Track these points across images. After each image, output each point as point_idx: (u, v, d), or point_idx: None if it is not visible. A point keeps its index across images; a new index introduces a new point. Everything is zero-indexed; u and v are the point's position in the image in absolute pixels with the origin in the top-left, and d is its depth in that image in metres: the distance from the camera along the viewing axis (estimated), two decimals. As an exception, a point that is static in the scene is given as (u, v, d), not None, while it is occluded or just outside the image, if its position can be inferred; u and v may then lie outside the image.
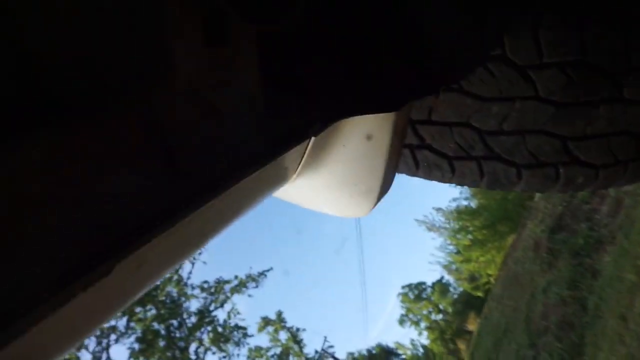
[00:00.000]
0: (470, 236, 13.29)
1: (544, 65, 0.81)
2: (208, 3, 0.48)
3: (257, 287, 11.60)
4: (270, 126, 0.52)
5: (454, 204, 14.29)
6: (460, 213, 13.61)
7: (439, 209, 14.94)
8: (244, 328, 11.90)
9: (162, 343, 10.40)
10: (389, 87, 0.66)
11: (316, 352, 15.74)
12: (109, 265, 0.35)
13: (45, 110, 0.39)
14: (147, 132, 0.42)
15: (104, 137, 0.42)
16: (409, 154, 0.93)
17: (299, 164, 0.62)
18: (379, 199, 0.72)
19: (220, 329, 11.44)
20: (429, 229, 15.50)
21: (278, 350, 14.28)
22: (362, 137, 0.65)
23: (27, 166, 0.37)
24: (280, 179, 0.60)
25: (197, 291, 11.07)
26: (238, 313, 11.68)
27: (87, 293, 0.34)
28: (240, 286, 11.45)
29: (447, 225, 14.66)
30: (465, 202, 13.46)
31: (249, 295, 12.04)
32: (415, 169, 0.96)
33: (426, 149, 0.92)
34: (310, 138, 0.56)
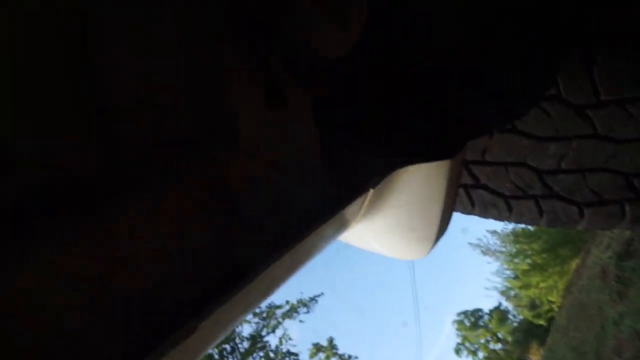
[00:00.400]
0: (528, 260, 12.60)
1: (601, 103, 0.80)
2: (268, 75, 0.52)
3: (308, 312, 11.58)
4: (331, 183, 0.56)
5: (510, 227, 13.68)
6: (517, 236, 12.96)
7: (493, 232, 14.31)
8: (296, 354, 11.82)
9: (215, 368, 10.53)
10: (442, 135, 0.67)
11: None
12: (194, 324, 0.39)
13: (124, 176, 0.43)
14: (216, 194, 0.46)
15: (180, 200, 0.47)
16: (464, 194, 0.94)
17: (359, 213, 0.64)
18: (435, 243, 0.73)
19: (272, 355, 11.44)
20: (484, 253, 14.85)
21: (330, 377, 14.03)
22: (418, 185, 0.67)
23: (115, 234, 0.41)
24: (341, 228, 0.63)
25: (249, 316, 11.20)
26: (290, 339, 11.64)
27: (175, 351, 0.38)
28: (291, 311, 11.46)
29: (503, 249, 14.01)
30: (522, 225, 12.82)
31: (301, 321, 12.00)
32: (471, 208, 0.96)
33: (481, 189, 0.92)
34: (370, 190, 0.59)
